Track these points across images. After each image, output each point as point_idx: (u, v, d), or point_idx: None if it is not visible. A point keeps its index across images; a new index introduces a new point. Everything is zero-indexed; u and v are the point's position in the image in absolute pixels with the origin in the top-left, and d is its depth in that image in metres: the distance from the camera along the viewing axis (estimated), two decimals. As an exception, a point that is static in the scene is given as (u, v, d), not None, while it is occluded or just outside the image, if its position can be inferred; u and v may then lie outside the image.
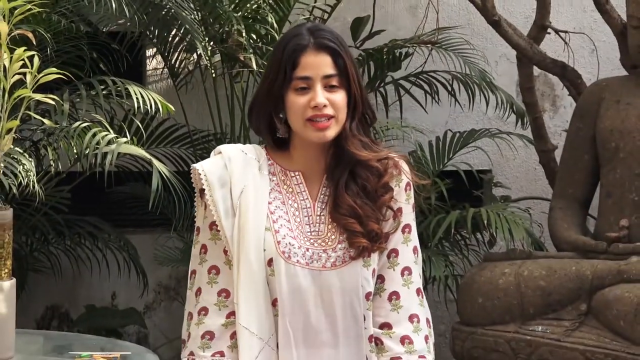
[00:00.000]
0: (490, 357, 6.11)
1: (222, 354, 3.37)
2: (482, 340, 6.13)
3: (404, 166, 3.47)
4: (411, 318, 3.45)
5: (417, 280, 3.48)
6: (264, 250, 3.35)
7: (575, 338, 5.90)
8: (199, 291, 3.42)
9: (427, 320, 3.49)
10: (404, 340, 3.43)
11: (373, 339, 3.45)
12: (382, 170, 3.42)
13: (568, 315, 6.00)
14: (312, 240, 3.40)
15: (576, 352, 5.86)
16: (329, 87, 3.35)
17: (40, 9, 5.27)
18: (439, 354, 7.31)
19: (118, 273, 7.14)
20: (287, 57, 3.35)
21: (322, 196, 3.45)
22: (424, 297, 3.51)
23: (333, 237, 3.41)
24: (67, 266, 7.06)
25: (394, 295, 3.45)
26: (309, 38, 3.36)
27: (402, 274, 3.46)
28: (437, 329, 7.06)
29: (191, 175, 3.47)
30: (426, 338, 3.46)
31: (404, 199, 3.45)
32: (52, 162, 6.28)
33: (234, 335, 3.37)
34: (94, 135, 5.94)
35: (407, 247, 3.46)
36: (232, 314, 3.38)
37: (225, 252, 3.40)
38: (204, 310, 3.40)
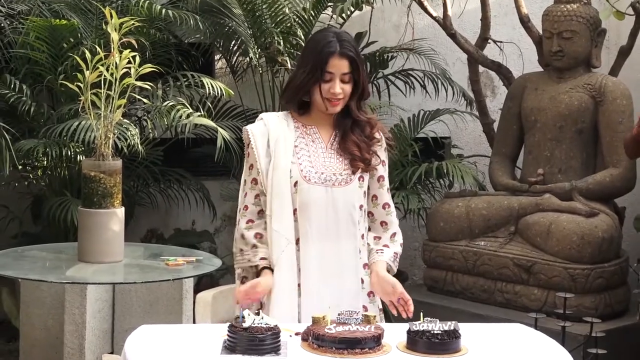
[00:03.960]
0: (449, 263, 6.06)
1: (260, 235, 3.47)
2: (443, 252, 6.08)
3: (383, 134, 3.61)
4: (383, 225, 3.61)
5: (392, 208, 3.64)
6: (291, 177, 3.43)
7: (506, 249, 5.87)
8: (245, 194, 3.54)
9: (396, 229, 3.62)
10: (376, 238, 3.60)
11: (364, 236, 3.55)
12: (372, 125, 3.57)
13: (502, 234, 5.96)
14: (325, 167, 3.47)
15: (507, 259, 5.83)
16: (343, 82, 3.45)
17: (140, 24, 5.22)
18: (415, 262, 7.32)
19: (196, 206, 7.08)
20: (321, 60, 3.44)
21: (332, 139, 3.54)
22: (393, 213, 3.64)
23: (339, 165, 3.49)
24: (161, 202, 7.00)
25: (384, 223, 3.61)
26: (336, 46, 3.43)
27: (384, 208, 3.60)
28: (413, 245, 7.01)
29: (243, 135, 3.61)
30: (393, 235, 3.60)
31: (384, 155, 3.59)
32: (150, 130, 6.27)
33: (264, 224, 3.47)
34: (178, 111, 5.93)
35: (383, 189, 3.61)
36: (261, 211, 3.49)
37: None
38: (245, 208, 3.52)
